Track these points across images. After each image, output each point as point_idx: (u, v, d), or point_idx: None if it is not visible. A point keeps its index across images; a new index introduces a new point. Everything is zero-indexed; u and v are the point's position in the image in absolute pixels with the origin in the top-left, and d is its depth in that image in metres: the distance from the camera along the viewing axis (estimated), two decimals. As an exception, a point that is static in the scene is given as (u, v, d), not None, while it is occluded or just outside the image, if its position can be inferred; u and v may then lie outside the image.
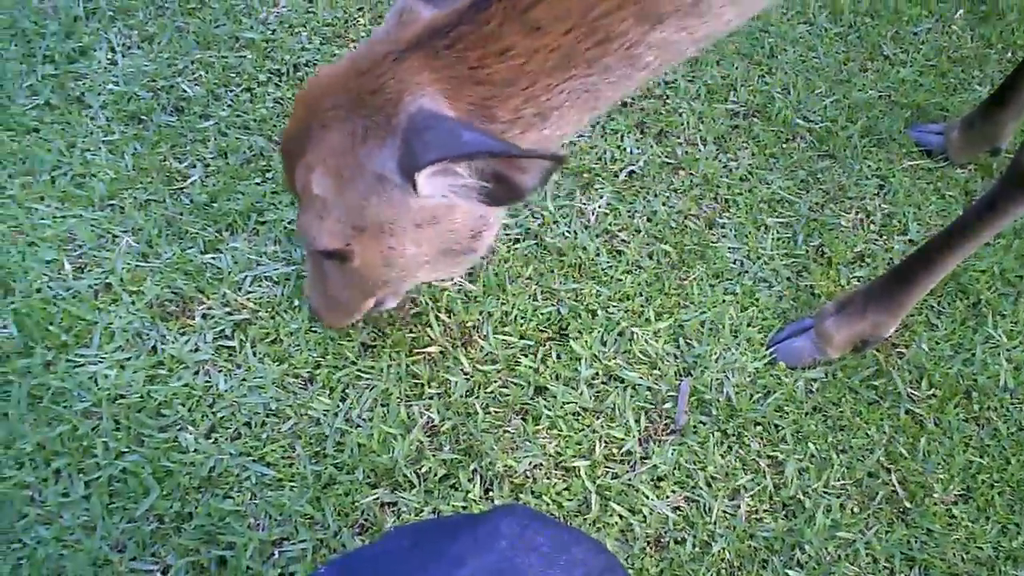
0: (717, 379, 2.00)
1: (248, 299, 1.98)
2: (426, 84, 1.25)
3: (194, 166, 2.17)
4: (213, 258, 2.03)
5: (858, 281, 2.20)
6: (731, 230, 2.24)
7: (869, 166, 2.42)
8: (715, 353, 2.03)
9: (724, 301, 2.11)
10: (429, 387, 1.92)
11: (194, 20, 2.45)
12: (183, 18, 2.45)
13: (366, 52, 1.32)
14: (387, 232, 1.44)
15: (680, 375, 2.00)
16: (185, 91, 2.30)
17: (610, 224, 2.20)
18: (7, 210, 2.04)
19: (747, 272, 2.17)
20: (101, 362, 1.87)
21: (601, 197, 2.24)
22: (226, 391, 1.86)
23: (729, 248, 2.20)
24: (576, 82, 1.29)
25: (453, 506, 1.79)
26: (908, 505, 1.89)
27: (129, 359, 1.88)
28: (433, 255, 1.54)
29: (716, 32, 1.33)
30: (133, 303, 1.95)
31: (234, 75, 2.35)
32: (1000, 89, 2.25)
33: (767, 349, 2.06)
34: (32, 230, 2.03)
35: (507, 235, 2.15)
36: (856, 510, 1.88)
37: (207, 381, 1.88)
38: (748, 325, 2.09)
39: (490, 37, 1.23)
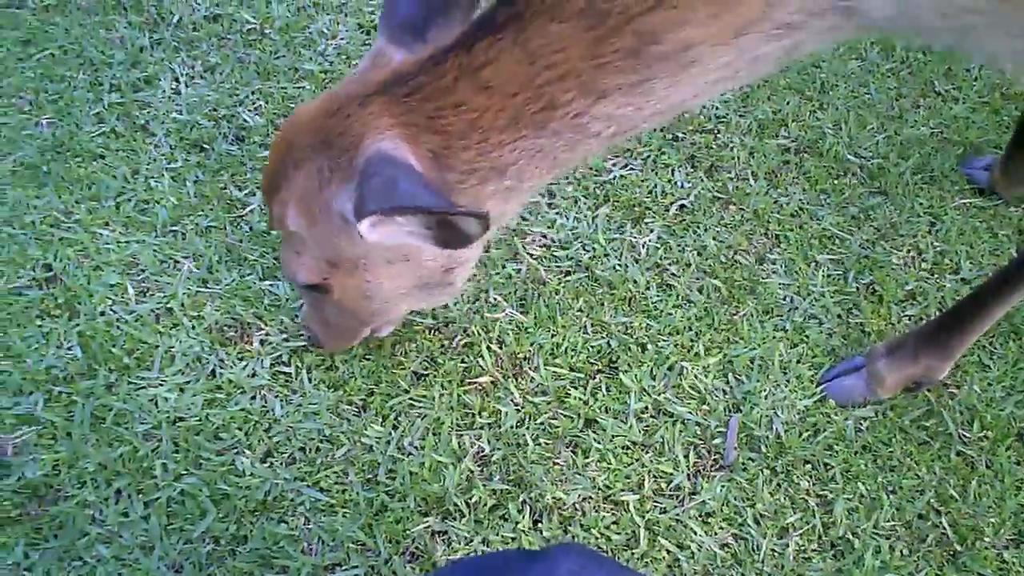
0: (766, 416, 2.00)
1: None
2: (386, 128, 1.29)
3: (253, 194, 2.22)
4: (271, 285, 2.07)
5: (909, 320, 2.19)
6: (781, 266, 2.24)
7: (921, 203, 2.41)
8: (765, 389, 2.03)
9: (774, 337, 2.12)
10: (480, 417, 1.95)
11: (255, 51, 2.52)
12: (244, 49, 2.52)
13: (338, 93, 1.36)
14: (361, 268, 1.50)
15: (729, 411, 2.01)
16: (246, 120, 2.36)
17: (660, 258, 2.22)
18: (74, 234, 2.11)
19: (797, 309, 2.17)
20: (162, 385, 1.92)
21: (652, 231, 2.26)
22: (282, 416, 1.90)
23: (779, 284, 2.21)
24: (527, 142, 1.33)
25: (502, 536, 1.80)
26: (958, 548, 1.88)
27: (189, 382, 1.93)
28: (411, 288, 1.59)
29: (668, 110, 1.34)
30: (193, 327, 2.00)
31: (293, 105, 2.41)
32: (1018, 128, 2.23)
33: (817, 387, 2.06)
34: (97, 254, 2.09)
35: (558, 267, 2.17)
36: (905, 552, 1.87)
37: (264, 406, 1.92)
38: (798, 362, 2.09)
39: (446, 90, 1.27)
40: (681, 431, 1.97)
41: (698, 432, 1.97)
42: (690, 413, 1.99)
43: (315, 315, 1.82)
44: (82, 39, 2.48)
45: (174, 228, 2.15)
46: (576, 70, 1.23)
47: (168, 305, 2.03)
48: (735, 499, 1.89)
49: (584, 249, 2.22)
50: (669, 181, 2.37)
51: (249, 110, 2.38)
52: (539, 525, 1.83)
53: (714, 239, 2.26)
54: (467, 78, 1.26)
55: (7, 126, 2.29)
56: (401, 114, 1.29)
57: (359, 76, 1.39)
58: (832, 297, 2.20)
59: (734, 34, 1.20)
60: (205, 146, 2.31)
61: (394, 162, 1.27)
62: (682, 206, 2.33)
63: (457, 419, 1.94)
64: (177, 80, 2.43)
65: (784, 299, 2.19)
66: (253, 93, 2.42)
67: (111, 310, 2.01)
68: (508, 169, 1.36)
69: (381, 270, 1.51)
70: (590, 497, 1.87)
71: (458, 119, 1.28)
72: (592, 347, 2.06)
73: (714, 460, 1.95)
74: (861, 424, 2.02)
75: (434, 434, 1.92)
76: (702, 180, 2.38)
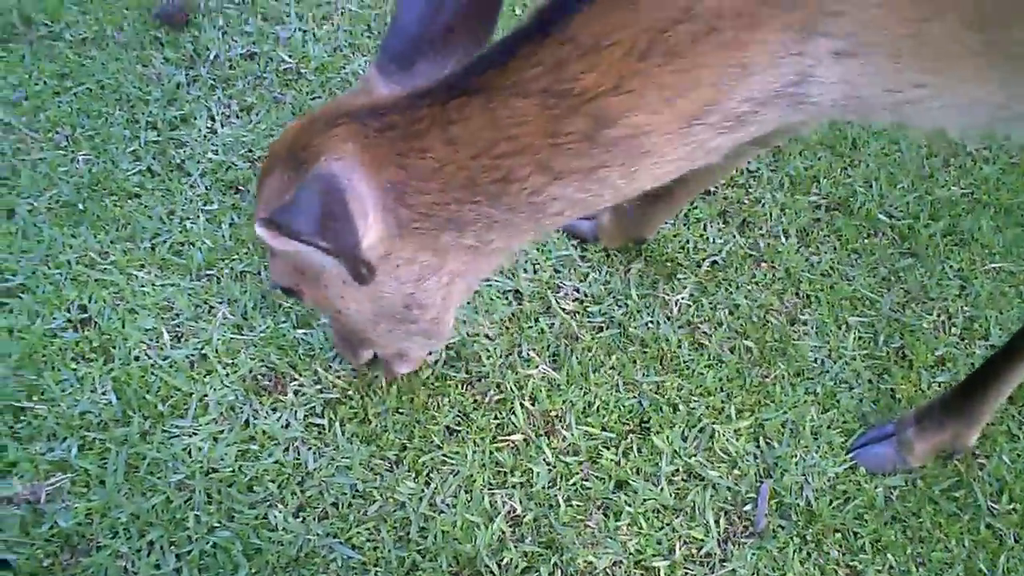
0: (797, 482, 2.00)
1: (339, 377, 2.02)
2: (348, 153, 1.30)
3: (288, 239, 2.22)
4: (305, 334, 2.08)
5: (939, 386, 2.20)
6: (813, 327, 2.25)
7: (951, 266, 2.42)
8: (795, 455, 2.04)
9: (805, 401, 2.12)
10: (512, 476, 1.95)
11: (291, 91, 2.52)
12: (280, 89, 2.53)
13: (319, 111, 1.39)
14: (322, 282, 1.51)
15: (760, 476, 2.01)
16: (282, 163, 2.36)
17: (693, 316, 2.22)
18: (109, 275, 2.11)
19: (828, 372, 2.18)
20: (196, 434, 1.92)
21: (684, 288, 2.26)
22: (315, 470, 1.90)
23: (811, 346, 2.21)
24: (483, 208, 1.34)
25: (534, 600, 1.81)
26: (987, 623, 1.89)
27: (222, 432, 1.93)
28: (378, 317, 1.58)
29: (623, 197, 1.37)
30: (228, 375, 2.00)
31: (328, 148, 2.41)
32: None
33: (848, 453, 2.06)
34: (132, 297, 2.09)
35: (591, 323, 2.18)
36: (935, 626, 1.88)
37: (297, 458, 1.92)
38: (829, 427, 2.09)
39: (416, 135, 1.28)
40: (712, 496, 1.97)
41: (729, 497, 1.97)
42: (721, 477, 1.99)
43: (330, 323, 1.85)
44: (119, 74, 2.49)
45: (209, 272, 2.16)
46: (533, 147, 1.25)
47: (203, 351, 2.03)
48: (765, 567, 1.89)
49: (617, 305, 2.22)
50: (701, 236, 2.38)
51: (285, 152, 2.39)
52: (570, 590, 1.83)
53: (746, 298, 2.27)
54: (437, 129, 1.27)
55: (44, 162, 2.29)
56: (368, 144, 1.30)
57: (342, 97, 1.43)
58: (863, 361, 2.21)
59: (686, 122, 1.23)
60: (241, 188, 2.32)
61: (331, 186, 1.27)
62: (714, 262, 2.33)
63: (489, 477, 1.95)
64: (213, 119, 2.44)
65: (815, 362, 2.20)
66: (289, 135, 2.42)
67: (146, 355, 2.01)
68: (467, 228, 1.38)
69: (339, 289, 1.51)
70: (621, 562, 1.87)
71: (422, 163, 1.30)
72: (624, 406, 2.07)
73: (744, 526, 1.95)
74: (891, 493, 2.03)
75: (466, 492, 1.92)
76: (734, 236, 2.38)
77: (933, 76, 1.20)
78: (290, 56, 2.59)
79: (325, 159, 1.30)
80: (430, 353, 2.05)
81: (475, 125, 1.26)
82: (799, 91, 1.22)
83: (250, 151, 2.38)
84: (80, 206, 2.22)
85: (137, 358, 2.01)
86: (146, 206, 2.25)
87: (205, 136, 2.40)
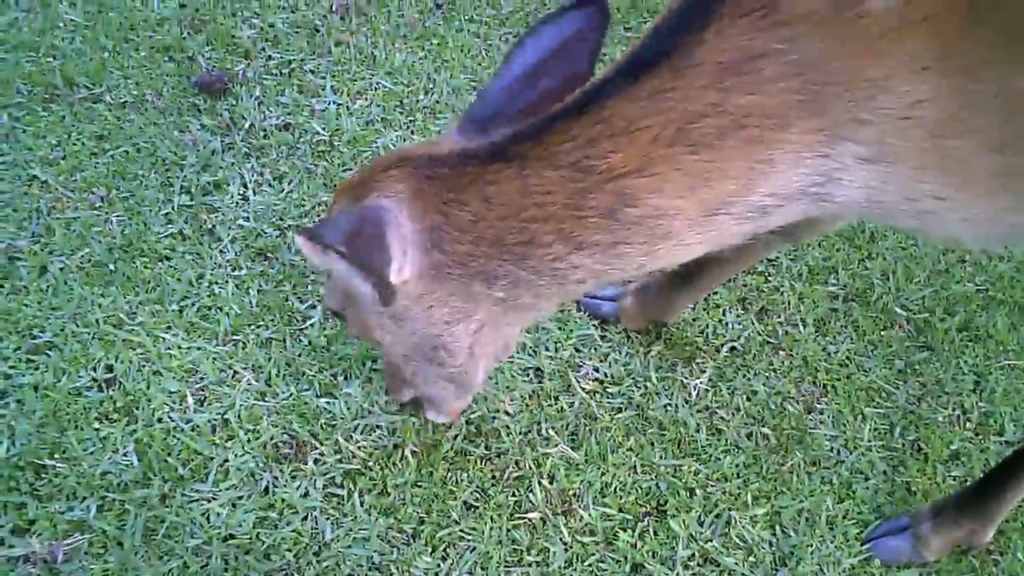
0: (812, 571, 2.00)
1: (359, 448, 2.04)
2: (399, 192, 1.38)
3: (314, 307, 2.26)
4: (327, 403, 2.09)
5: (954, 480, 2.20)
6: (829, 417, 2.26)
7: (966, 361, 2.44)
8: (811, 544, 2.04)
9: (821, 490, 2.13)
10: (528, 554, 1.95)
11: (323, 162, 2.58)
12: (313, 160, 2.58)
13: (389, 154, 1.49)
14: (363, 311, 1.58)
15: (776, 564, 2.01)
16: (311, 232, 2.40)
17: (711, 400, 2.24)
18: (136, 336, 2.13)
19: (844, 462, 2.19)
20: (215, 499, 1.92)
21: (703, 372, 2.29)
22: (332, 540, 1.90)
23: (827, 436, 2.22)
24: (509, 267, 1.40)
25: None
26: None
27: (241, 498, 1.94)
28: (410, 355, 1.64)
29: (645, 272, 1.43)
30: (249, 441, 2.01)
31: (356, 219, 2.45)
32: None
33: (863, 544, 2.06)
34: (158, 359, 2.11)
35: (610, 403, 2.20)
36: None
37: (314, 528, 1.92)
38: (844, 517, 2.09)
39: (459, 187, 1.35)
40: (727, 583, 1.97)
41: (744, 585, 1.97)
42: (737, 564, 1.99)
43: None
44: (156, 138, 2.55)
45: (235, 337, 2.18)
46: (558, 216, 1.31)
47: (225, 416, 2.05)
48: (780, 659, 1.88)
49: (636, 386, 2.24)
50: (720, 322, 2.41)
51: (314, 221, 2.43)
52: (584, 674, 1.82)
53: (764, 385, 2.29)
54: (476, 186, 1.34)
55: (78, 221, 2.33)
56: (417, 187, 1.37)
57: (413, 144, 1.52)
58: (879, 452, 2.22)
59: (708, 211, 1.28)
60: (269, 255, 2.35)
61: (376, 218, 1.35)
62: (733, 348, 2.36)
63: (506, 555, 1.95)
64: (246, 186, 2.49)
65: (831, 451, 2.21)
66: (319, 204, 2.47)
67: (169, 417, 2.03)
68: (496, 282, 1.43)
69: (376, 319, 1.57)
70: (636, 647, 1.86)
71: (460, 214, 1.36)
72: (641, 488, 2.07)
73: (759, 615, 1.94)
74: (905, 587, 2.02)
75: (482, 569, 1.92)
76: (752, 323, 2.41)
77: (953, 190, 1.25)
78: (324, 128, 2.65)
79: (377, 195, 1.39)
80: (462, 413, 2.07)
81: (508, 189, 1.32)
82: (823, 191, 1.26)
83: (280, 219, 2.43)
84: (111, 266, 2.26)
85: (160, 420, 2.02)
86: (176, 269, 2.28)
87: (237, 203, 2.45)
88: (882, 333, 2.47)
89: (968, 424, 2.32)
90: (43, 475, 1.91)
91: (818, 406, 2.29)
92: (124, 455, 1.96)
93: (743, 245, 2.02)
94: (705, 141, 1.21)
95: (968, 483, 2.16)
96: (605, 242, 1.33)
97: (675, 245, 1.33)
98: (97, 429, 1.99)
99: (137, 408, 2.03)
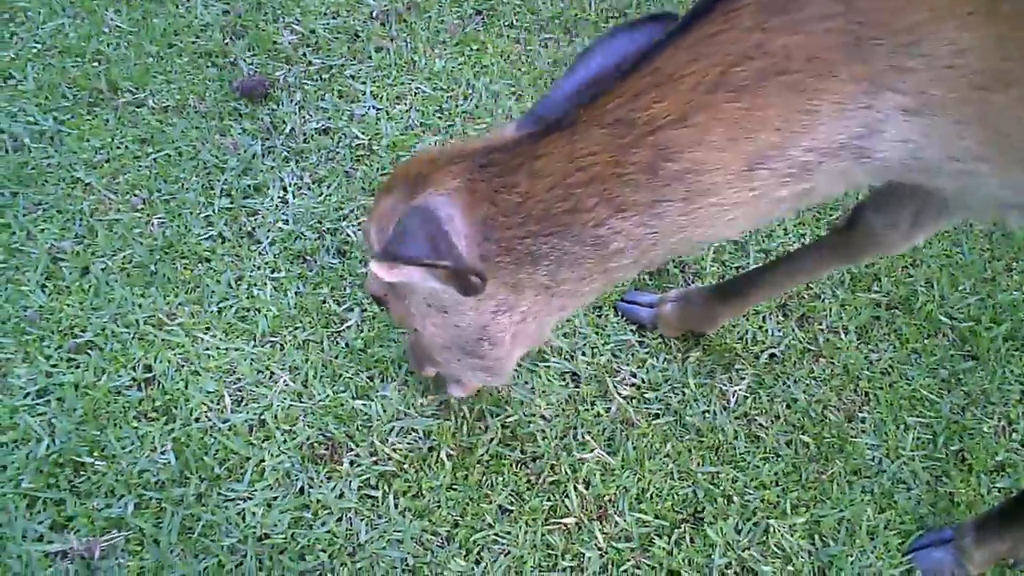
0: (853, 583, 1.96)
1: (394, 450, 2.03)
2: (454, 188, 1.39)
3: (352, 310, 2.26)
4: (364, 404, 2.09)
5: (999, 492, 2.15)
6: (871, 426, 2.22)
7: (1012, 371, 2.39)
8: (851, 555, 2.00)
9: (862, 500, 2.09)
10: (563, 559, 1.93)
11: (362, 167, 2.59)
12: (352, 164, 2.59)
13: (449, 146, 1.48)
14: (407, 300, 1.61)
15: (814, 574, 1.97)
16: (349, 235, 2.41)
17: (750, 408, 2.21)
18: (176, 337, 2.15)
19: (885, 472, 2.14)
20: (251, 499, 1.93)
21: (742, 379, 2.26)
22: (366, 541, 1.90)
23: (868, 444, 2.18)
24: (555, 240, 1.39)
25: None
26: None
27: (277, 498, 1.94)
28: (449, 344, 1.66)
29: (688, 244, 1.40)
30: (285, 442, 2.02)
31: (394, 222, 2.46)
32: None
33: (905, 556, 2.02)
34: (197, 359, 2.13)
35: (647, 409, 2.17)
36: None
37: (349, 529, 1.92)
38: (886, 528, 2.05)
39: (510, 170, 1.36)
40: (765, 592, 1.93)
41: (782, 595, 1.94)
42: (775, 573, 1.95)
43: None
44: (198, 142, 2.57)
45: (273, 339, 2.19)
46: (600, 177, 1.30)
47: (262, 416, 2.06)
48: (819, 671, 1.84)
49: (674, 392, 2.22)
50: (760, 328, 2.37)
51: (353, 225, 2.44)
52: None
53: (804, 392, 2.25)
54: (527, 164, 1.34)
55: (120, 223, 2.36)
56: (473, 180, 1.38)
57: (472, 139, 1.50)
58: (921, 462, 2.17)
59: (748, 165, 1.25)
60: (308, 258, 2.36)
61: (428, 217, 1.35)
62: (772, 355, 2.33)
63: (540, 559, 1.93)
64: (285, 190, 2.50)
65: (873, 460, 2.16)
66: (358, 208, 2.48)
67: (206, 417, 2.04)
68: (541, 262, 1.43)
69: (422, 310, 1.60)
70: (671, 655, 1.83)
71: (510, 198, 1.37)
72: (678, 495, 2.05)
73: (798, 626, 1.91)
74: (949, 600, 1.98)
75: (516, 573, 1.90)
76: (793, 330, 2.38)
77: (994, 152, 1.22)
78: (363, 133, 2.67)
79: (430, 191, 1.40)
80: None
81: (556, 157, 1.32)
82: (865, 145, 1.23)
83: (319, 222, 2.44)
84: (152, 268, 2.28)
85: (198, 419, 2.04)
86: (215, 270, 2.30)
87: (277, 206, 2.47)
88: (926, 341, 2.42)
89: (1014, 435, 2.27)
90: (82, 472, 1.93)
91: (860, 415, 2.25)
92: (162, 454, 1.98)
93: (795, 262, 2.00)
94: (746, 87, 1.19)
95: (1013, 495, 2.11)
96: (644, 201, 1.31)
97: (715, 205, 1.31)
98: (136, 428, 2.01)
99: (175, 407, 2.05)
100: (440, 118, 2.75)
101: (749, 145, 1.23)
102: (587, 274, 1.46)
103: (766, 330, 2.38)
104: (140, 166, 2.51)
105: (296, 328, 2.22)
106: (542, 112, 1.41)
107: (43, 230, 2.33)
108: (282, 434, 2.03)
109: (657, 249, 1.40)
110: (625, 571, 1.93)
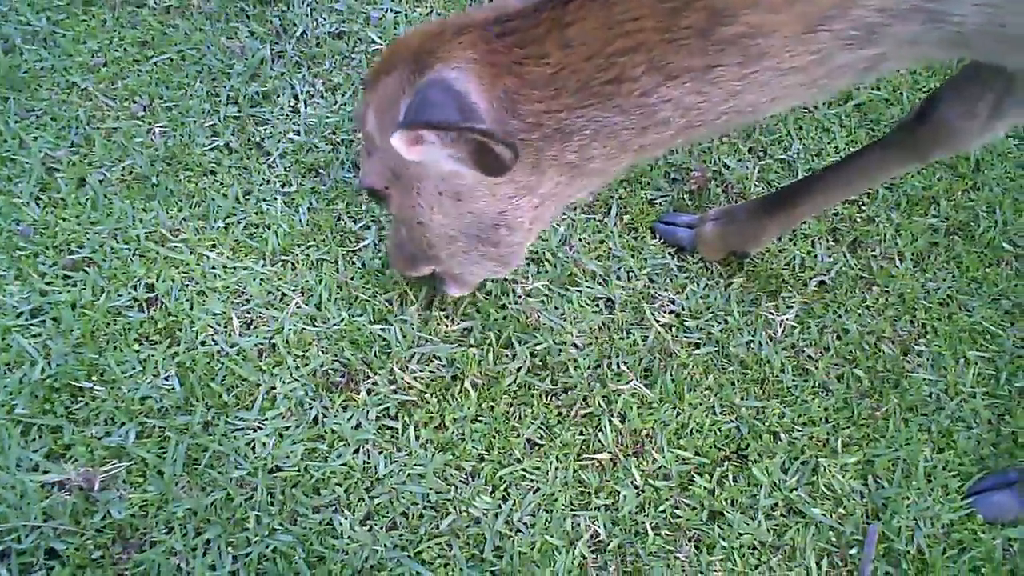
0: (908, 527, 1.82)
1: (415, 378, 1.89)
2: (467, 60, 1.29)
3: (368, 227, 2.10)
4: (382, 329, 1.94)
5: (1066, 432, 2.00)
6: (928, 359, 2.06)
7: (1080, 302, 2.22)
8: (907, 497, 1.85)
9: (918, 439, 1.94)
10: (596, 497, 1.80)
11: (379, 74, 2.39)
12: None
13: (451, 18, 1.37)
14: (415, 189, 1.50)
15: (868, 517, 1.83)
16: (365, 147, 2.24)
17: (797, 338, 2.05)
18: (179, 255, 1.99)
19: (944, 409, 1.99)
20: (260, 429, 1.79)
21: (790, 308, 2.09)
22: (385, 476, 1.77)
23: (925, 380, 2.02)
24: (593, 112, 1.30)
25: (617, 638, 1.65)
26: None
27: (289, 428, 1.80)
28: (459, 233, 1.56)
29: (739, 112, 1.30)
30: (297, 368, 1.87)
31: (414, 135, 2.28)
32: None
33: (965, 499, 1.87)
34: (202, 278, 1.97)
35: (687, 338, 2.02)
36: None
37: (366, 462, 1.79)
38: (944, 469, 1.91)
39: (534, 40, 1.26)
40: (814, 535, 1.79)
41: (832, 538, 1.80)
42: (825, 515, 1.81)
43: (392, 229, 1.80)
44: (202, 45, 2.38)
45: (284, 257, 2.03)
46: (648, 43, 1.20)
47: (273, 341, 1.91)
48: (872, 620, 1.71)
49: (716, 321, 2.05)
50: (809, 253, 2.20)
51: (369, 137, 2.26)
52: (657, 629, 1.67)
53: (856, 323, 2.09)
54: (555, 32, 1.24)
55: (119, 131, 2.19)
56: (487, 51, 1.29)
57: (474, 9, 1.38)
58: (982, 399, 2.02)
59: (808, 27, 1.15)
60: (321, 171, 2.19)
61: (447, 88, 1.27)
62: (822, 282, 2.15)
63: (572, 497, 1.79)
64: (296, 98, 2.32)
65: (930, 396, 2.01)
66: (374, 118, 2.29)
67: (212, 340, 1.90)
68: (572, 138, 1.34)
69: (432, 199, 1.50)
70: (713, 602, 1.70)
71: (537, 69, 1.27)
72: (720, 431, 1.90)
73: (848, 571, 1.77)
74: (1011, 545, 1.84)
75: (546, 511, 1.77)
76: (844, 256, 2.20)
77: None
78: (380, 37, 2.46)
79: (442, 65, 1.30)
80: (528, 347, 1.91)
81: (591, 24, 1.21)
82: (938, 7, 1.11)
83: (333, 133, 2.26)
84: (153, 180, 2.11)
85: (203, 343, 1.89)
86: (222, 184, 2.13)
87: (287, 115, 2.28)
88: (987, 270, 2.24)
89: (1082, 371, 2.11)
90: (80, 398, 1.79)
91: (916, 347, 2.08)
92: (165, 379, 1.83)
93: (853, 163, 1.81)
94: None
95: (1082, 435, 1.96)
96: (697, 67, 1.21)
97: (772, 69, 1.21)
98: (137, 351, 1.86)
99: (179, 330, 1.90)
100: (464, 23, 2.55)
101: (808, 7, 1.13)
102: (620, 150, 1.36)
103: (815, 255, 2.20)
104: (140, 70, 2.33)
105: (309, 246, 2.05)
106: None
107: (36, 138, 2.16)
108: (294, 360, 1.88)
109: (702, 119, 1.30)
110: (663, 511, 1.79)
